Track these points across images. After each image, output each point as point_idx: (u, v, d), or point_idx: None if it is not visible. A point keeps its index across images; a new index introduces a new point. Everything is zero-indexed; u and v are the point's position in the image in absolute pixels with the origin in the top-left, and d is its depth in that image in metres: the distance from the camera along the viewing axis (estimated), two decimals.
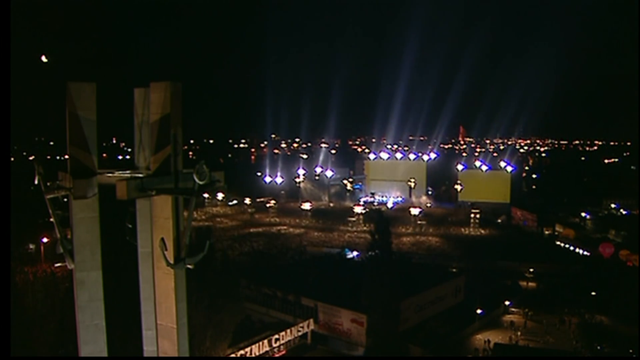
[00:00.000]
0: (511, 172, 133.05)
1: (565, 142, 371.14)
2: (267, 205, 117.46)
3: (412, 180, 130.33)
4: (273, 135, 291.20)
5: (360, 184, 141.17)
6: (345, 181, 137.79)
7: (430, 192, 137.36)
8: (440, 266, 73.06)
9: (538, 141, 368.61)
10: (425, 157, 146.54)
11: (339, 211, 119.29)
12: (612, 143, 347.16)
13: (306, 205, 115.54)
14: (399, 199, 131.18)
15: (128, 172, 12.27)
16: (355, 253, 78.39)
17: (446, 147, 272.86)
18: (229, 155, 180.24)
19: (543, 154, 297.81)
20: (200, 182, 10.47)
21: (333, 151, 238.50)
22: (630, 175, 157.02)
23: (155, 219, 11.25)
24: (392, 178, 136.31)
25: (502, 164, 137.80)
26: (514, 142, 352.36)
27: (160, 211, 11.11)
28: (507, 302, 60.41)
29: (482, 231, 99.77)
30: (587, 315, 56.67)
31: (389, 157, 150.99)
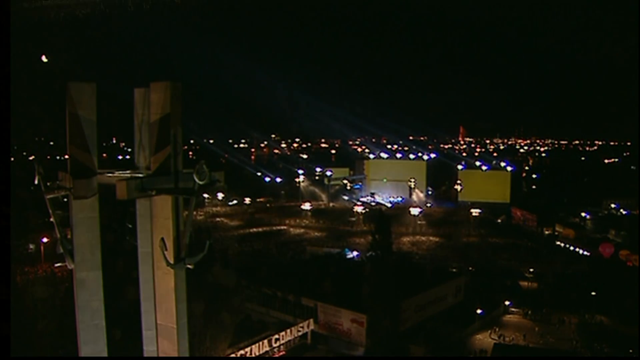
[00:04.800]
0: (511, 172, 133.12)
1: (565, 142, 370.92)
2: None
3: (412, 180, 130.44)
4: (273, 136, 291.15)
5: (360, 184, 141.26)
6: (345, 181, 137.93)
7: (430, 192, 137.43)
8: (440, 266, 73.10)
9: (538, 141, 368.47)
10: (425, 157, 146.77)
11: (339, 211, 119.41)
12: (612, 143, 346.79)
13: (306, 205, 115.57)
14: (399, 199, 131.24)
15: (128, 172, 12.27)
16: (355, 253, 78.42)
17: (446, 147, 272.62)
18: (226, 156, 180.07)
19: (543, 154, 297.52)
20: (200, 182, 10.47)
21: (333, 151, 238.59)
22: (630, 175, 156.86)
23: (155, 219, 11.26)
24: (392, 178, 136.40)
25: (502, 164, 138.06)
26: (514, 142, 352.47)
27: (160, 211, 11.11)
28: (507, 302, 60.43)
29: (482, 231, 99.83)
30: (587, 315, 56.70)
31: (388, 157, 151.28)
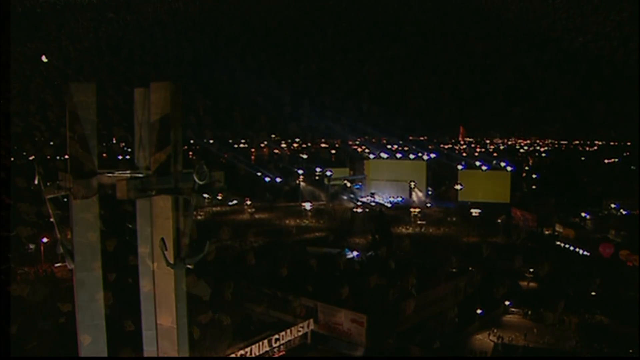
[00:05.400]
0: (511, 172, 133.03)
1: (565, 142, 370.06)
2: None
3: (413, 181, 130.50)
4: (273, 136, 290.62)
5: (360, 184, 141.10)
6: (345, 181, 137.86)
7: (430, 192, 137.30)
8: (440, 266, 72.98)
9: (538, 141, 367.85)
10: (425, 157, 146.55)
11: (339, 211, 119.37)
12: (612, 143, 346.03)
13: (306, 205, 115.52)
14: (399, 199, 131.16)
15: (128, 172, 12.28)
16: (355, 253, 78.30)
17: (446, 147, 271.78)
18: (225, 156, 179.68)
19: (543, 154, 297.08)
20: (200, 182, 10.48)
21: (333, 151, 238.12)
22: (630, 175, 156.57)
23: (155, 219, 11.27)
24: (392, 178, 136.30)
25: (502, 164, 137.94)
26: (514, 142, 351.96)
27: (160, 211, 11.13)
28: (507, 302, 60.38)
29: (482, 231, 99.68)
30: (587, 315, 56.63)
31: (387, 157, 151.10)
